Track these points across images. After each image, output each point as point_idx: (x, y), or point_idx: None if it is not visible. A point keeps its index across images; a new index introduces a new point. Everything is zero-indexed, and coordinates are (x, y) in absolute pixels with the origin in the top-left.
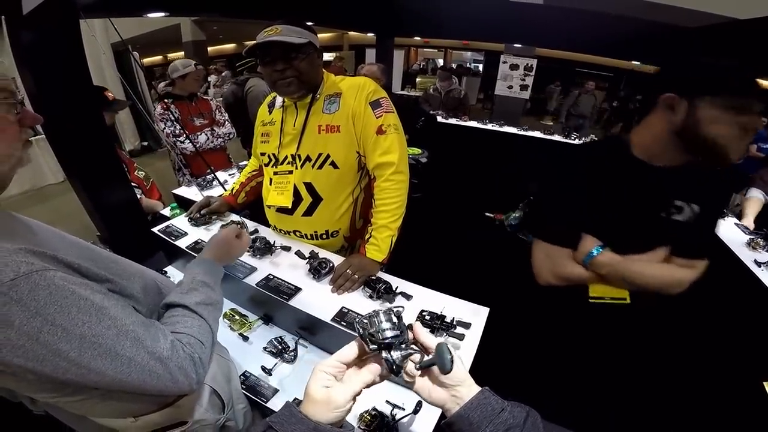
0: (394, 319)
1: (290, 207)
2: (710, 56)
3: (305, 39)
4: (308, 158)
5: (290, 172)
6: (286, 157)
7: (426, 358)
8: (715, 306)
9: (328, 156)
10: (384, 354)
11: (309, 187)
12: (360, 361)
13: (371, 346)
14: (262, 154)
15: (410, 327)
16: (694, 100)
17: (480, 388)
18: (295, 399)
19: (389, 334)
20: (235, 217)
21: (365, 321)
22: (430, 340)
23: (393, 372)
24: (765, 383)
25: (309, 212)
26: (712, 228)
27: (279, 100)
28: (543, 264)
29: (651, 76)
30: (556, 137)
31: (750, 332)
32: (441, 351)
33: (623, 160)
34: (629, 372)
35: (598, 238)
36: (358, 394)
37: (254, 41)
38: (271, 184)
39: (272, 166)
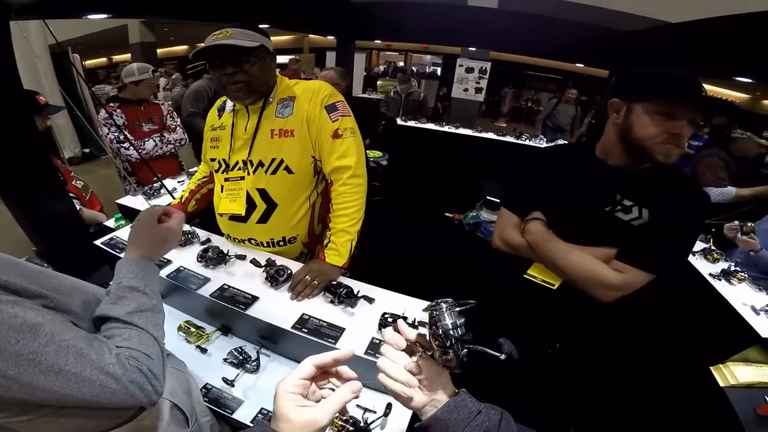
0: (456, 317)
1: (243, 214)
2: (647, 59)
3: (257, 42)
4: (261, 163)
5: (242, 178)
6: (237, 163)
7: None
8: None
9: (282, 161)
10: (451, 352)
11: (263, 193)
12: (321, 373)
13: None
14: (212, 160)
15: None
16: (632, 105)
17: (456, 390)
18: (262, 409)
19: (459, 332)
20: (185, 227)
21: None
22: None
23: (457, 367)
24: (711, 368)
25: (264, 219)
26: (669, 243)
27: (229, 104)
28: (496, 228)
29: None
30: (508, 138)
31: (692, 322)
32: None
33: (584, 157)
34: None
35: (552, 226)
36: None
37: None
38: (222, 191)
39: (223, 172)
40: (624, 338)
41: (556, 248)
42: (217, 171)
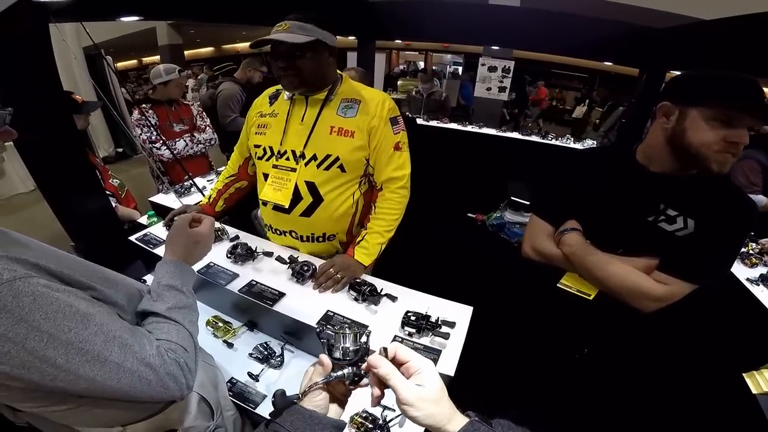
0: (359, 341)
1: (287, 206)
2: (680, 58)
3: (311, 36)
4: (314, 157)
5: (293, 169)
6: (286, 152)
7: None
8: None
9: (337, 158)
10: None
11: (311, 186)
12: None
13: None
14: (256, 146)
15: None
16: (686, 109)
17: (467, 419)
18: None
19: (348, 354)
20: (215, 225)
21: (331, 333)
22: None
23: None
24: (744, 374)
25: (308, 213)
26: (714, 254)
27: (287, 93)
28: (527, 237)
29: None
30: (534, 138)
31: (726, 327)
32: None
33: (625, 163)
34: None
35: (588, 235)
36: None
37: (257, 38)
38: (267, 179)
39: (268, 159)
40: (656, 343)
41: (590, 261)
42: (261, 158)
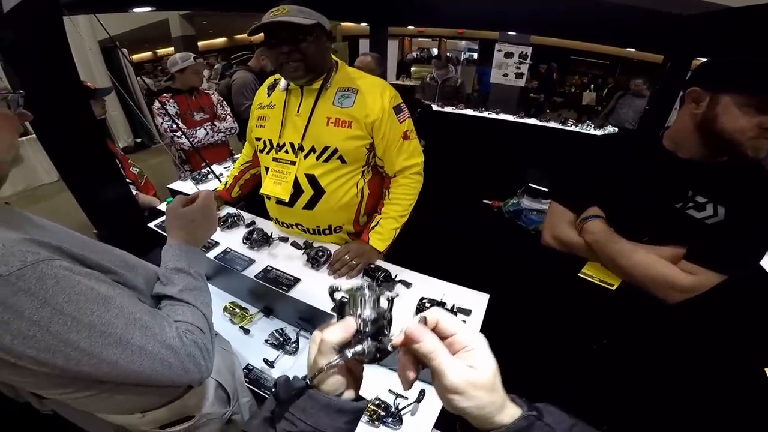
0: (378, 306)
1: (287, 200)
2: (706, 45)
3: (313, 20)
4: (313, 149)
5: (292, 162)
6: (284, 145)
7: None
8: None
9: (336, 150)
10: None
11: (311, 179)
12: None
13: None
14: (257, 139)
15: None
16: (717, 95)
17: (519, 409)
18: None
19: (367, 324)
20: (231, 210)
21: (345, 296)
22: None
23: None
24: (767, 369)
25: (310, 206)
26: (746, 243)
27: (283, 82)
28: (547, 225)
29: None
30: (552, 124)
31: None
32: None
33: (651, 149)
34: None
35: (611, 223)
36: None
37: (259, 23)
38: (268, 172)
39: (268, 153)
40: (679, 336)
41: (614, 249)
42: (261, 151)
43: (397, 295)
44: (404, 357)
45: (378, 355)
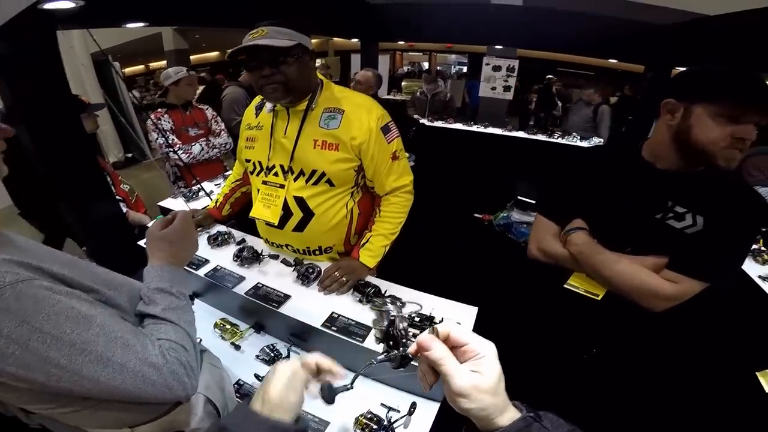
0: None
1: (276, 223)
2: (685, 54)
3: (294, 41)
4: (302, 172)
5: (281, 185)
6: (274, 167)
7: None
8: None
9: (323, 173)
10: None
11: (300, 201)
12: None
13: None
14: (247, 161)
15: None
16: (691, 106)
17: (518, 412)
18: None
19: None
20: (222, 228)
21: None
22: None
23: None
24: (758, 373)
25: (300, 228)
26: (725, 251)
27: (269, 104)
28: (533, 237)
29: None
30: (540, 137)
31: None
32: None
33: (630, 160)
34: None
35: (594, 234)
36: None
37: (238, 46)
38: (258, 194)
39: (258, 175)
40: (666, 343)
41: (598, 260)
42: (252, 172)
43: (394, 317)
44: (423, 364)
45: (403, 362)
